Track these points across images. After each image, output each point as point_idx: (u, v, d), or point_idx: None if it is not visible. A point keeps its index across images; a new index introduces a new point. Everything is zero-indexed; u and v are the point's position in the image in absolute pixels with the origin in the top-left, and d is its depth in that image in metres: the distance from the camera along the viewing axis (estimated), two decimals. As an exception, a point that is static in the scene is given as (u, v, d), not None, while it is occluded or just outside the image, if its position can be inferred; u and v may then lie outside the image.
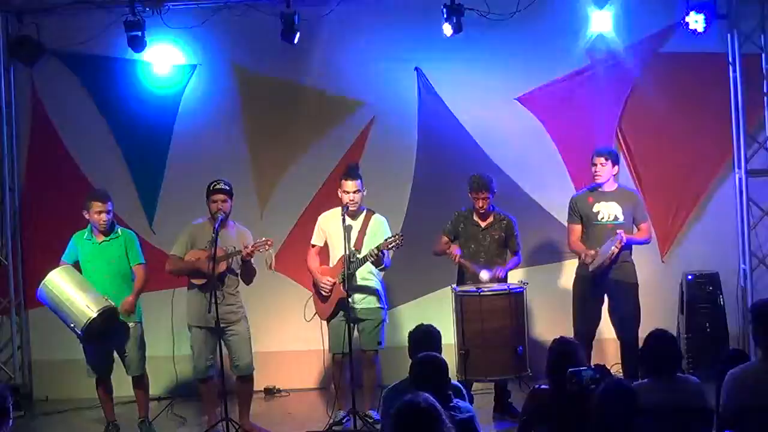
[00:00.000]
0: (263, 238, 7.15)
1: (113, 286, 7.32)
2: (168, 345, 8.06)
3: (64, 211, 8.66)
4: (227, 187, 7.27)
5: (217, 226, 7.06)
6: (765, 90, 8.59)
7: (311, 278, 7.64)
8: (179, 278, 7.51)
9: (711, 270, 8.56)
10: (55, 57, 8.86)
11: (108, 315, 7.12)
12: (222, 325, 7.20)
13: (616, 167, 7.64)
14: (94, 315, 7.05)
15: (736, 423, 4.88)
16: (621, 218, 7.54)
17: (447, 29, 8.19)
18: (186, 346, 7.69)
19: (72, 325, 7.12)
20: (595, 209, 7.58)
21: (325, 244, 7.63)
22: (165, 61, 8.76)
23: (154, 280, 7.67)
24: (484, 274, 7.37)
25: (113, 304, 7.17)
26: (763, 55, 8.55)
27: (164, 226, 8.71)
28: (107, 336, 7.25)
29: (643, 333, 7.13)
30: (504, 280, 7.54)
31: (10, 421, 4.43)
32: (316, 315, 7.62)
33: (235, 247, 7.15)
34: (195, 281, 7.26)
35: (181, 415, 8.10)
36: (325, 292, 7.47)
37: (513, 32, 8.55)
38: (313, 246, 7.65)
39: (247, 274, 7.32)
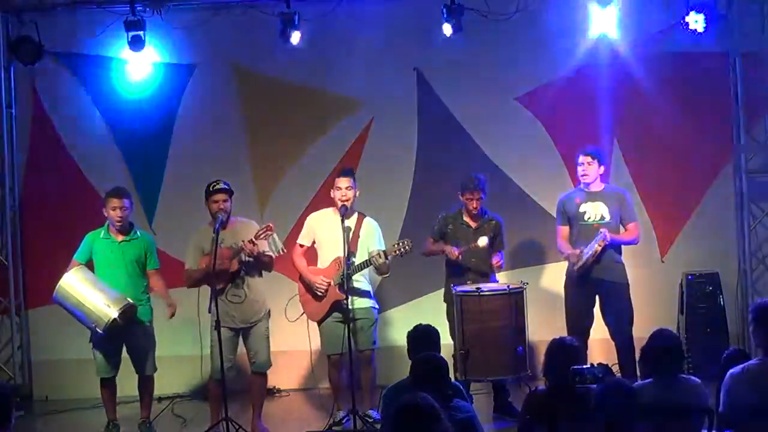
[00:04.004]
0: (263, 226, 7.12)
1: (130, 286, 7.33)
2: (170, 344, 8.05)
3: (64, 211, 8.69)
4: (227, 187, 7.25)
5: (217, 226, 7.04)
6: (765, 90, 8.59)
7: (297, 276, 7.63)
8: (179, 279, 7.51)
9: (711, 270, 8.56)
10: (55, 57, 8.86)
11: (128, 313, 7.14)
12: (245, 326, 7.24)
13: (602, 167, 7.63)
14: (116, 314, 7.05)
15: (736, 423, 4.88)
16: (607, 218, 7.53)
17: (447, 29, 8.20)
18: (188, 346, 7.70)
19: (93, 325, 7.11)
20: (581, 209, 7.57)
21: (312, 244, 7.62)
22: (165, 60, 8.77)
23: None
24: (482, 240, 7.36)
25: (132, 302, 7.18)
26: (763, 55, 8.55)
27: (164, 226, 8.71)
28: (124, 335, 7.26)
29: (641, 333, 7.12)
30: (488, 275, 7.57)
31: (12, 421, 4.43)
32: (303, 315, 7.58)
33: (244, 241, 7.11)
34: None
35: (182, 416, 8.10)
36: (320, 292, 7.46)
37: (513, 32, 8.57)
38: (301, 246, 7.64)
39: (262, 264, 7.29)
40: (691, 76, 8.68)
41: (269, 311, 7.42)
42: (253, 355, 7.37)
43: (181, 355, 8.11)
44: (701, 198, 8.79)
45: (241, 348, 7.43)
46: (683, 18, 8.25)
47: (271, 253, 7.25)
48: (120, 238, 7.40)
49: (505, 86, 8.77)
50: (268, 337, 7.39)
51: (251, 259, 7.20)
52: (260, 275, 7.37)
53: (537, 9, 8.44)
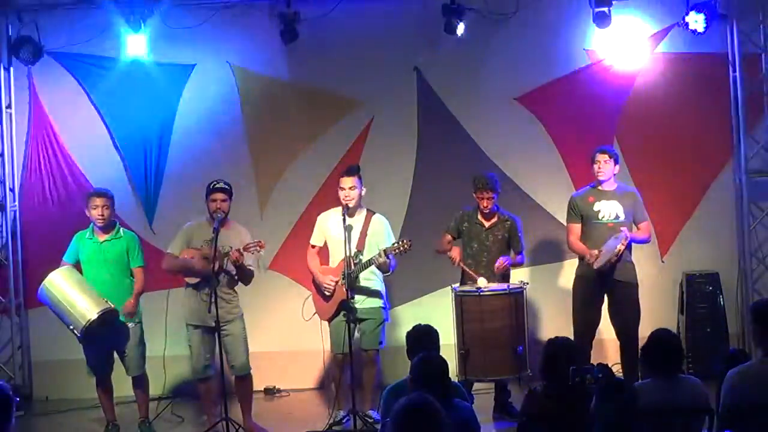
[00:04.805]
0: (256, 240, 7.14)
1: (113, 286, 7.33)
2: (169, 344, 8.05)
3: (64, 211, 8.68)
4: (227, 186, 7.27)
5: (216, 225, 7.06)
6: (765, 90, 8.60)
7: (311, 277, 7.64)
8: (177, 278, 7.52)
9: (711, 270, 8.56)
10: (55, 57, 8.85)
11: (107, 317, 7.11)
12: (214, 325, 7.18)
13: (617, 166, 7.63)
14: (94, 317, 7.04)
15: (736, 423, 4.88)
16: (622, 217, 7.53)
17: (460, 29, 8.21)
18: (184, 346, 7.70)
19: (71, 327, 7.12)
20: (596, 208, 7.56)
21: (325, 244, 7.63)
22: (164, 60, 8.76)
23: (154, 279, 7.69)
24: (482, 282, 7.37)
25: (113, 305, 7.16)
26: (763, 55, 8.56)
27: (164, 226, 8.69)
28: (107, 337, 7.26)
29: (642, 333, 7.15)
30: (506, 277, 7.57)
31: (12, 421, 4.43)
32: (316, 314, 7.62)
33: (231, 247, 7.12)
34: (189, 280, 7.28)
35: (181, 415, 8.10)
36: (328, 292, 7.47)
37: (513, 32, 8.57)
38: (313, 246, 7.65)
39: (242, 276, 7.29)
40: (691, 76, 8.68)
41: (242, 315, 7.39)
42: (231, 358, 7.34)
43: (181, 355, 8.10)
44: (701, 198, 8.79)
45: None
46: (683, 18, 8.26)
47: (253, 268, 7.27)
48: (102, 238, 7.41)
49: (505, 86, 8.77)
50: (245, 338, 7.38)
51: (233, 269, 7.18)
52: (235, 285, 7.34)
53: (536, 9, 8.44)
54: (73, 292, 7.15)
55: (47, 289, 7.21)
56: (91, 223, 7.44)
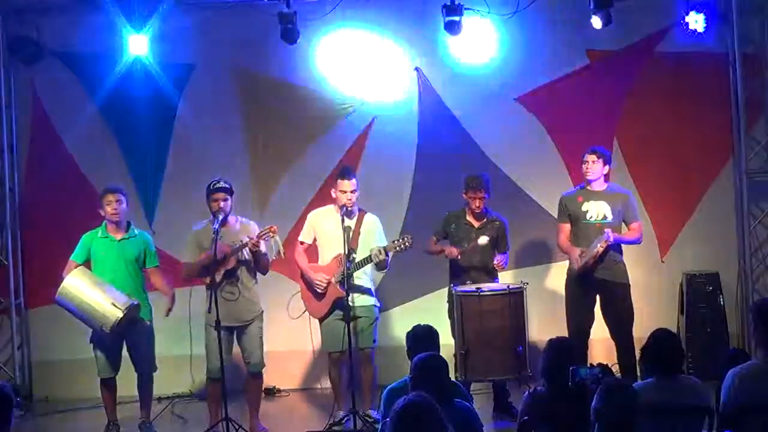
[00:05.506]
0: (266, 227, 7.15)
1: (129, 284, 7.35)
2: (170, 344, 8.06)
3: (64, 210, 8.69)
4: (227, 186, 7.27)
5: (216, 225, 7.06)
6: (765, 90, 8.59)
7: (299, 274, 7.63)
8: (182, 279, 7.54)
9: (711, 270, 8.56)
10: (55, 57, 8.86)
11: (133, 312, 7.16)
12: (236, 324, 7.24)
13: (607, 167, 7.61)
14: (122, 314, 7.07)
15: (737, 423, 4.88)
16: (610, 217, 7.52)
17: (460, 29, 8.19)
18: (186, 346, 7.71)
19: (100, 325, 7.12)
20: (584, 208, 7.56)
21: (314, 241, 7.63)
22: (164, 60, 8.76)
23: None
24: (483, 239, 7.39)
25: (137, 300, 7.21)
26: (763, 55, 8.56)
27: (164, 226, 8.71)
28: (127, 334, 7.30)
29: (642, 333, 7.12)
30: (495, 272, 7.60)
31: (12, 421, 4.43)
32: (305, 313, 7.61)
33: (242, 241, 7.13)
34: (209, 282, 7.24)
35: (181, 415, 8.10)
36: (320, 290, 7.47)
37: (513, 32, 8.57)
38: (302, 243, 7.65)
39: (259, 264, 7.31)
40: (691, 76, 8.68)
41: (263, 312, 7.42)
42: (248, 355, 7.38)
43: (181, 354, 8.11)
44: (701, 198, 8.80)
45: (236, 348, 7.44)
46: (683, 18, 8.26)
47: (269, 256, 7.28)
48: (119, 236, 7.43)
49: (505, 86, 8.77)
50: (261, 338, 7.41)
51: (249, 257, 7.20)
52: (255, 276, 7.38)
53: (536, 9, 8.44)
54: (95, 292, 7.15)
55: (67, 291, 7.18)
56: (103, 222, 7.44)
